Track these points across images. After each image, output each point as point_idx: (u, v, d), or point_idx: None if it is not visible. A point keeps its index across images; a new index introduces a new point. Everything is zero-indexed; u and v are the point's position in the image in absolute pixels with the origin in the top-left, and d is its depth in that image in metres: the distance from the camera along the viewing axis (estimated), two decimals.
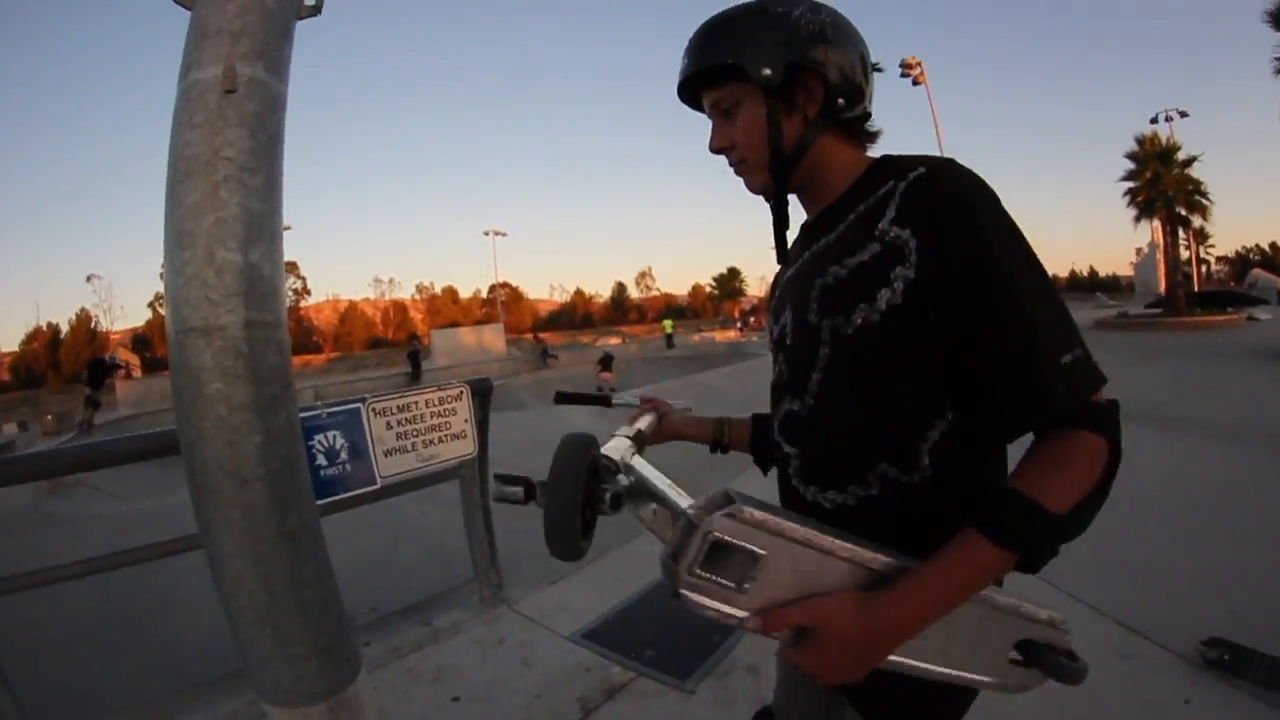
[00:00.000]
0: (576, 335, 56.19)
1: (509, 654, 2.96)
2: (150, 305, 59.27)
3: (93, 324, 55.12)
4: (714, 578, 0.77)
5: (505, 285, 68.86)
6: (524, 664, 2.88)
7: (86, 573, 2.55)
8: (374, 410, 2.35)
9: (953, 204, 0.86)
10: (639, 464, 0.96)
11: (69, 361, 52.19)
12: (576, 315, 76.39)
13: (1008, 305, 0.81)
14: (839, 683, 0.81)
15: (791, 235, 1.15)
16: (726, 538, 0.76)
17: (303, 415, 2.48)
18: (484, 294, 71.63)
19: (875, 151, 1.08)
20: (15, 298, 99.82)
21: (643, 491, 0.90)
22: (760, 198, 1.10)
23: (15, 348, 54.50)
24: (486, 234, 49.68)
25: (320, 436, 2.43)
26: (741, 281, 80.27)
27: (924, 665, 0.84)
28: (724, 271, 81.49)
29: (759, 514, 0.76)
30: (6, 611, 2.63)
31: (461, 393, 2.51)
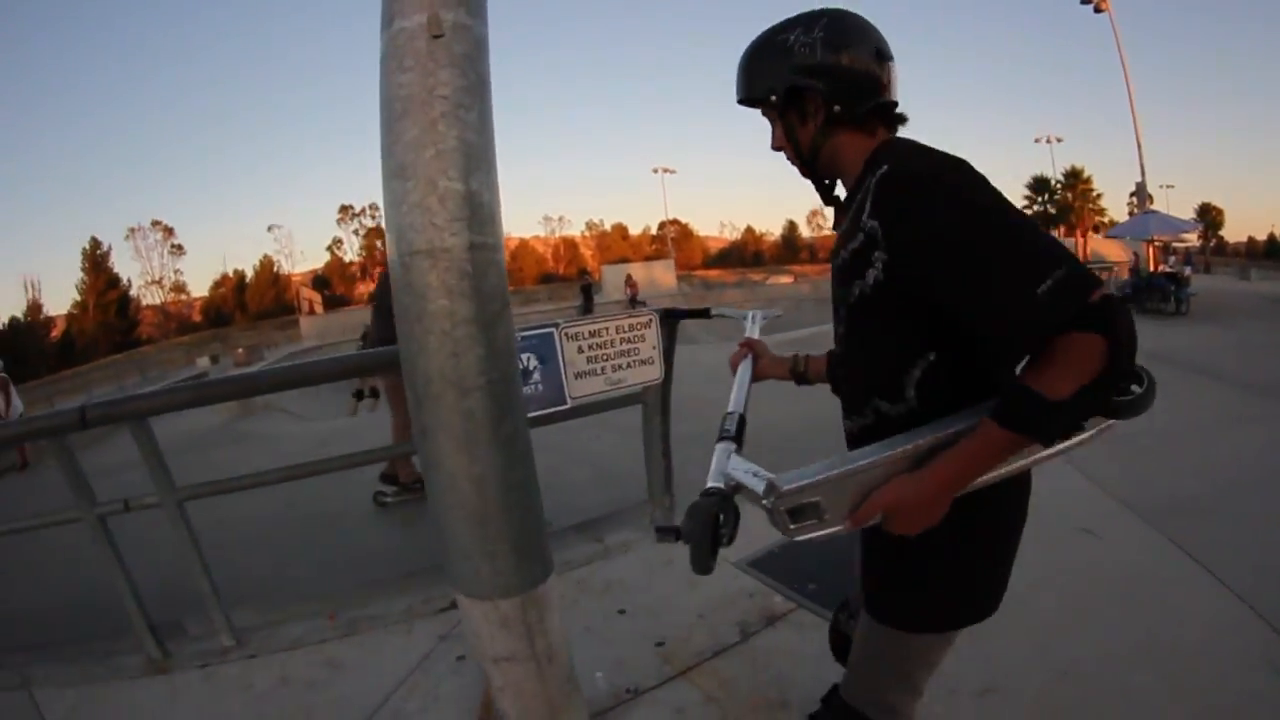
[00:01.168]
0: (747, 274, 55.60)
1: (676, 574, 3.11)
2: (328, 249, 64.00)
3: (275, 269, 60.29)
4: (803, 524, 1.10)
5: (675, 222, 69.02)
6: (689, 585, 3.01)
7: (285, 478, 3.00)
8: (567, 334, 2.49)
9: (899, 198, 1.05)
10: (736, 471, 1.20)
11: (254, 302, 57.75)
12: (747, 253, 75.35)
13: (962, 270, 0.99)
14: (922, 530, 1.09)
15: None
16: (789, 506, 1.08)
17: None
18: (653, 231, 72.17)
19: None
20: (205, 252, 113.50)
21: (743, 489, 1.17)
22: None
23: (206, 293, 60.25)
24: (655, 171, 49.77)
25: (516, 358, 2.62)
26: None
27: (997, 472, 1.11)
28: None
29: (792, 486, 1.08)
30: (205, 513, 3.05)
31: (651, 320, 2.61)
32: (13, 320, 47.94)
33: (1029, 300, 0.93)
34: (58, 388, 28.24)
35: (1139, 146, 22.48)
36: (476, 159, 1.34)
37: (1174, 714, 2.11)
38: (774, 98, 1.23)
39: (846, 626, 1.72)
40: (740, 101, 1.31)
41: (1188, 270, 15.08)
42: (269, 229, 73.69)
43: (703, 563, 1.06)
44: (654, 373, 2.63)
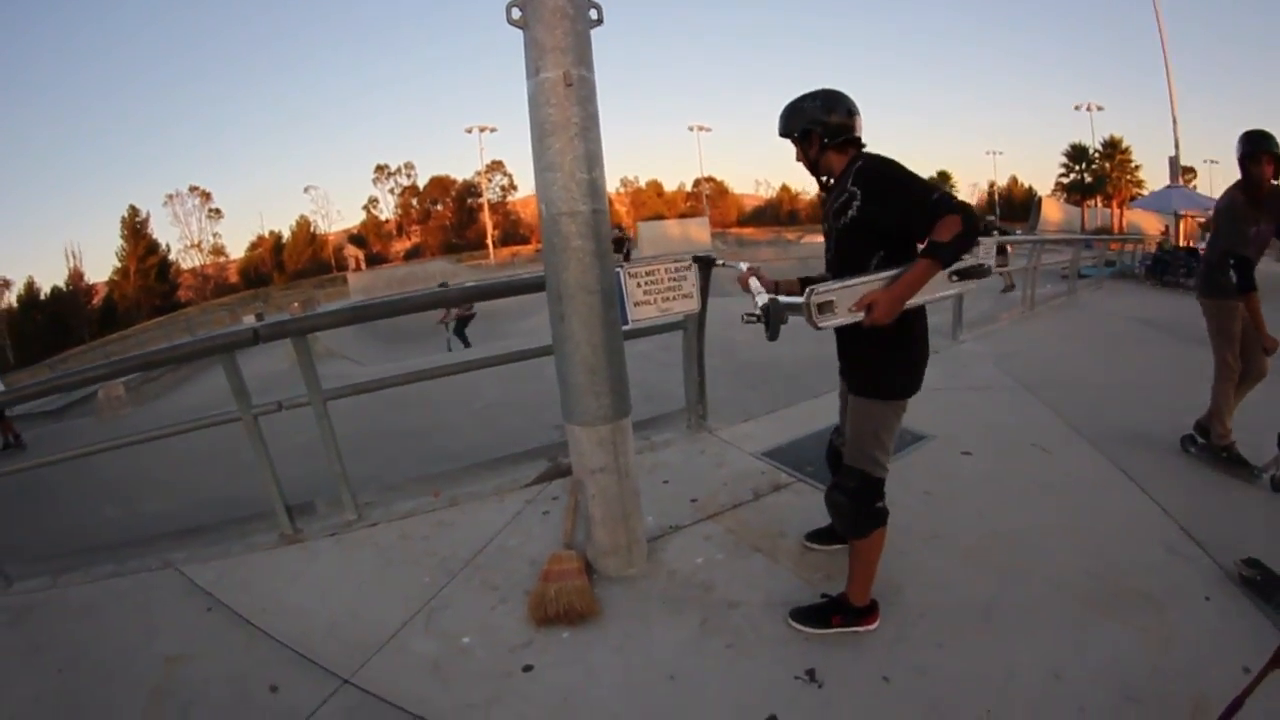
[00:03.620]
0: (782, 232, 55.80)
1: (707, 459, 4.11)
2: (364, 208, 65.29)
3: (311, 229, 61.48)
4: (825, 315, 2.03)
5: (710, 179, 69.05)
6: (717, 465, 4.00)
7: (378, 387, 3.86)
8: (629, 273, 3.36)
9: (867, 173, 2.18)
10: (783, 298, 2.10)
11: (291, 262, 59.30)
12: (782, 212, 75.28)
13: (901, 191, 2.09)
14: (886, 320, 2.03)
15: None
16: (818, 302, 2.02)
17: None
18: (688, 188, 72.33)
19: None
20: (242, 215, 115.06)
21: (790, 305, 2.06)
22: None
23: (241, 254, 61.21)
24: (691, 129, 49.82)
25: None
26: (952, 185, 73.73)
27: (924, 298, 2.13)
28: (934, 175, 75.40)
29: (822, 288, 2.03)
30: (301, 424, 3.77)
31: (691, 264, 3.49)
32: (55, 290, 49.66)
33: (930, 200, 2.01)
34: (106, 351, 29.46)
35: (1174, 121, 22.37)
36: (594, 160, 2.34)
37: (1076, 568, 2.79)
38: (796, 134, 2.36)
39: (839, 442, 2.71)
40: (780, 134, 2.40)
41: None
42: (305, 189, 76.26)
43: (774, 332, 1.99)
44: (693, 304, 3.49)
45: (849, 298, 2.03)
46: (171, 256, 55.96)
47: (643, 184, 75.21)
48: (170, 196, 57.42)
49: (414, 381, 3.99)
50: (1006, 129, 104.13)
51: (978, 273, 2.18)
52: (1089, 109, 46.83)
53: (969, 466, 3.89)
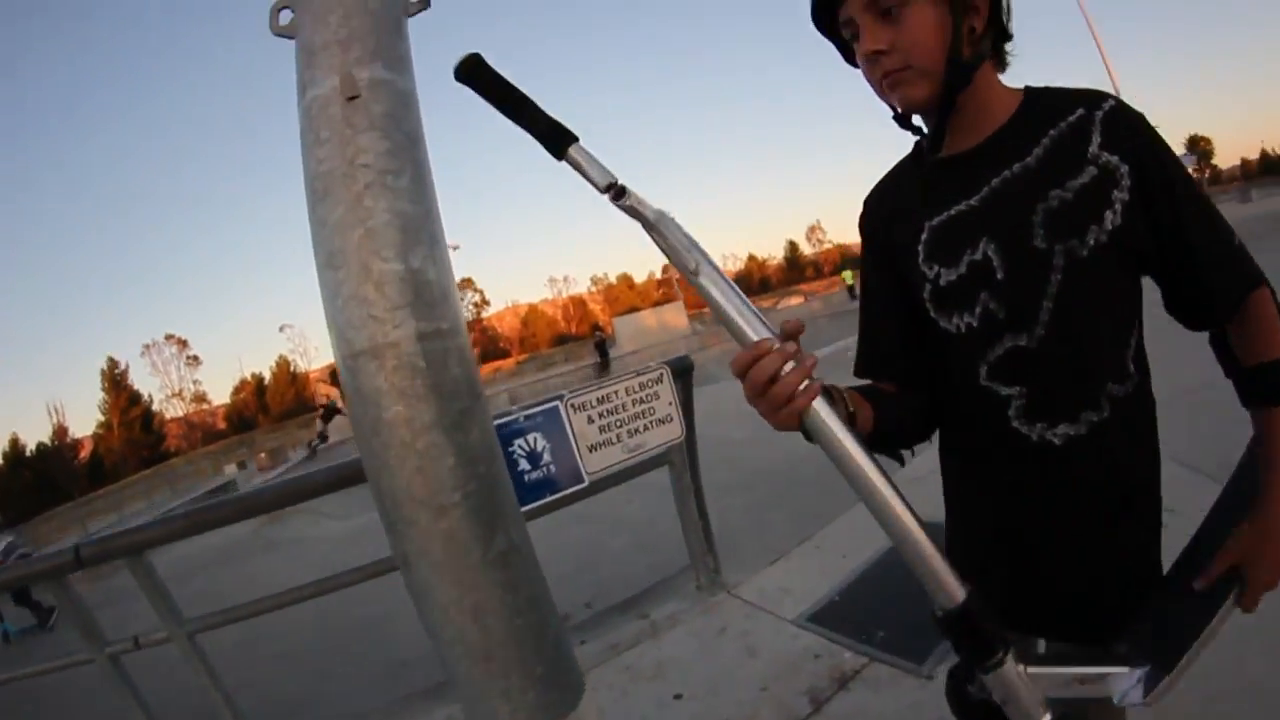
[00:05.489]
0: (757, 301, 55.49)
1: (731, 644, 2.86)
2: None
3: (291, 368, 61.98)
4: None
5: None
6: (748, 653, 2.76)
7: (295, 600, 2.78)
8: (572, 406, 2.31)
9: (1148, 135, 0.95)
10: (1063, 688, 0.92)
11: (275, 403, 59.12)
12: (753, 281, 75.50)
13: (1203, 215, 0.95)
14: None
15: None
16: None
17: (499, 421, 2.49)
18: (658, 274, 72.57)
19: None
20: (221, 360, 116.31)
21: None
22: (898, 124, 1.07)
23: (227, 399, 62.08)
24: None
25: (520, 441, 2.42)
26: None
27: None
28: None
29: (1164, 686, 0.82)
30: (232, 630, 2.89)
31: (662, 374, 2.43)
32: (40, 446, 49.10)
33: (1238, 252, 0.96)
34: (91, 509, 28.93)
35: (1114, 86, 23.02)
36: (414, 231, 1.14)
37: None
38: None
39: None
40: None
41: None
42: (280, 329, 75.88)
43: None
44: (675, 430, 2.44)
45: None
46: (155, 407, 56.06)
47: (613, 279, 75.70)
48: (147, 346, 57.92)
49: (303, 600, 2.83)
50: None
51: None
52: None
53: None
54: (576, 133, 0.84)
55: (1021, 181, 0.98)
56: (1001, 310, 1.00)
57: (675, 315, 34.14)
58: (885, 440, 1.08)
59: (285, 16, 1.28)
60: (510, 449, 2.42)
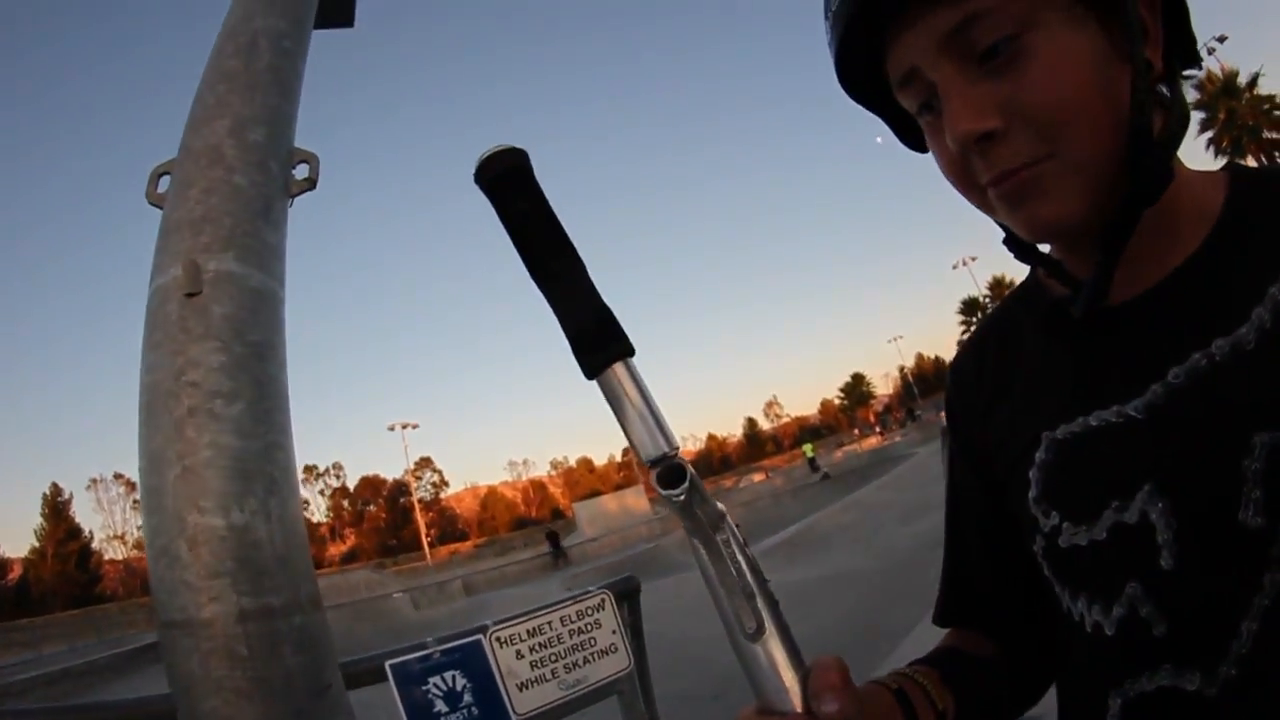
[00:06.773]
0: (719, 480, 55.14)
1: None
2: None
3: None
4: None
5: None
6: None
7: None
8: (497, 640, 1.96)
9: None
10: None
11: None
12: (714, 460, 75.53)
13: None
14: None
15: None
16: None
17: (415, 656, 2.11)
18: (619, 458, 72.37)
19: None
20: None
21: None
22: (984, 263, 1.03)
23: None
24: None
25: (436, 679, 2.03)
26: (868, 385, 79.76)
27: None
28: (848, 380, 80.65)
29: None
30: None
31: (603, 600, 2.11)
32: None
33: None
34: (11, 638, 26.33)
35: None
36: (245, 475, 0.87)
37: None
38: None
39: None
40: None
41: None
42: None
43: None
44: (620, 662, 2.09)
45: None
46: (94, 545, 52.90)
47: (573, 462, 75.16)
48: (94, 481, 55.24)
49: None
50: (897, 312, 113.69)
51: None
52: (965, 264, 50.11)
53: None
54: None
55: (1229, 379, 0.51)
56: (1161, 624, 0.54)
57: (636, 499, 33.59)
58: None
59: (164, 184, 1.09)
60: (425, 687, 2.03)
